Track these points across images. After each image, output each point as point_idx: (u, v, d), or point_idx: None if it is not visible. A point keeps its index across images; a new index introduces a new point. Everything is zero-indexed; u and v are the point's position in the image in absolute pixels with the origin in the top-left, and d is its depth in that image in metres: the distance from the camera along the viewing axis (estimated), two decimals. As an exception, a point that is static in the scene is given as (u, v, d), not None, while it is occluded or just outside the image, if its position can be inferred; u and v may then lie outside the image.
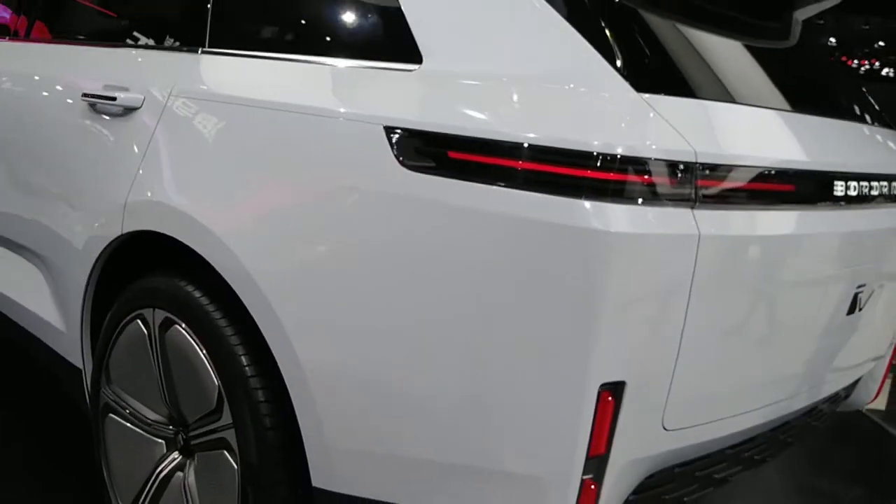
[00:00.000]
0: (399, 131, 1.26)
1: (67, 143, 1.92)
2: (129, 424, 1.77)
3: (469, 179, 1.19)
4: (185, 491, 1.64)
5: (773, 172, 1.31)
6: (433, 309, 1.23)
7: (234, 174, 1.47)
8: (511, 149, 1.16)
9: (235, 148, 1.49)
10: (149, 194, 1.62)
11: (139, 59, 1.84)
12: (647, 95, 1.21)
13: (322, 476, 1.37)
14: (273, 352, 1.39)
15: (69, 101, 1.89)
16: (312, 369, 1.34)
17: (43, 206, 2.00)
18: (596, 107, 1.20)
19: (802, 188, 1.38)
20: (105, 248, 1.76)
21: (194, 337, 1.55)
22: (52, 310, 2.02)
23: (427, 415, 1.26)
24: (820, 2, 1.86)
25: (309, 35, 1.59)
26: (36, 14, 2.33)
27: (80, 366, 1.95)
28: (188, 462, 1.66)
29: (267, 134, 1.44)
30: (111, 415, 1.82)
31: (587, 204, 1.11)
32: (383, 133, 1.28)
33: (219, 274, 1.48)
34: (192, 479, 1.64)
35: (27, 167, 2.07)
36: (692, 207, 1.17)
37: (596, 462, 1.19)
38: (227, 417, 1.50)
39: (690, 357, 1.21)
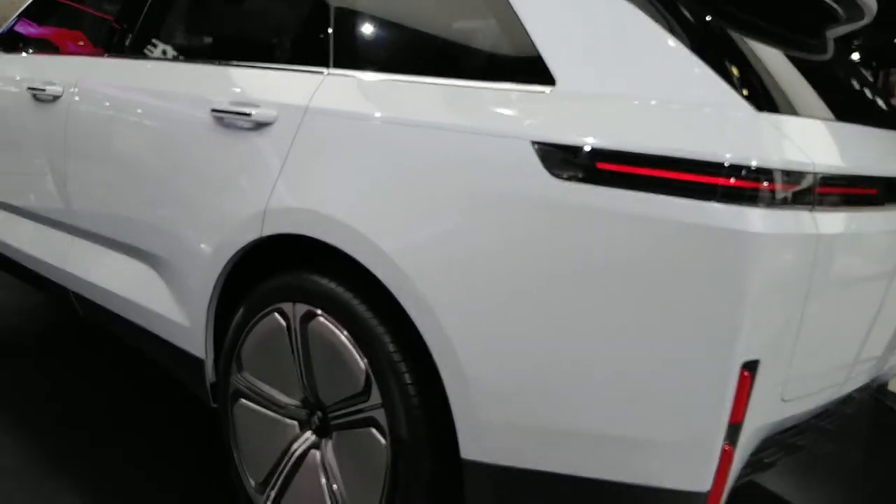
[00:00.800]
0: (546, 146, 1.45)
1: (195, 155, 2.09)
2: (260, 408, 1.96)
3: (618, 187, 1.39)
4: (324, 467, 1.83)
5: (866, 178, 1.52)
6: (587, 296, 1.42)
7: (382, 184, 1.65)
8: (658, 160, 1.36)
9: (382, 161, 1.66)
10: (292, 201, 1.79)
11: (267, 78, 2.01)
12: (764, 115, 1.42)
13: (472, 448, 1.56)
14: (426, 340, 1.57)
15: (197, 115, 2.06)
16: (467, 355, 1.53)
17: (168, 213, 2.16)
18: (725, 125, 1.40)
19: (886, 191, 1.59)
20: (239, 251, 1.93)
21: (340, 327, 1.73)
22: (172, 306, 2.19)
23: (582, 391, 1.45)
24: (854, 22, 2.08)
25: (443, 58, 1.76)
26: (136, 29, 2.50)
27: (202, 356, 2.12)
28: (324, 441, 1.85)
29: (412, 148, 1.62)
30: (241, 399, 2.00)
31: (733, 208, 1.31)
32: (531, 147, 1.47)
33: (363, 270, 1.67)
34: (330, 455, 1.82)
35: (150, 176, 2.23)
36: (811, 211, 1.38)
37: (733, 429, 1.39)
38: (375, 398, 1.68)
39: (806, 338, 1.42)
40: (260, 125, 1.91)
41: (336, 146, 1.74)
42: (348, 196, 1.69)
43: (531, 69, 1.56)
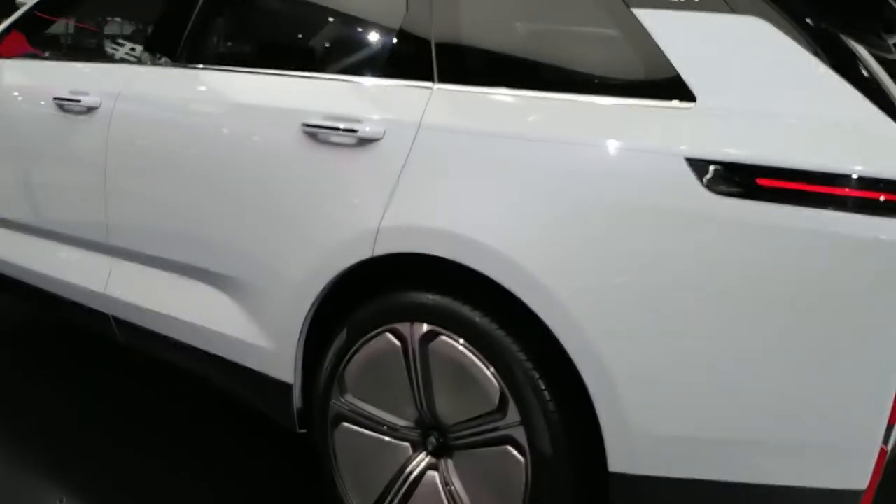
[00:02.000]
0: (701, 161, 1.48)
1: (283, 172, 2.02)
2: (367, 431, 1.92)
3: (778, 202, 1.43)
4: (447, 487, 1.81)
5: None
6: (746, 309, 1.46)
7: (522, 203, 1.64)
8: (820, 177, 1.41)
9: (521, 179, 1.65)
10: (415, 220, 1.77)
11: (366, 92, 1.97)
12: (906, 130, 1.48)
13: (621, 461, 1.58)
14: (574, 358, 1.58)
15: (286, 130, 2.00)
16: (618, 372, 1.54)
17: (251, 234, 2.08)
18: (877, 141, 1.46)
19: None
20: (343, 271, 1.89)
21: (469, 347, 1.72)
22: (252, 330, 2.13)
23: (742, 401, 1.49)
24: None
25: (572, 73, 1.77)
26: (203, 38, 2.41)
27: (290, 381, 2.07)
28: (443, 461, 1.83)
29: (555, 165, 1.63)
30: (344, 423, 1.96)
31: (894, 221, 1.37)
32: (685, 164, 1.49)
33: (490, 288, 1.66)
34: (453, 475, 1.80)
35: (229, 196, 2.14)
36: None
37: (889, 430, 1.45)
38: (512, 416, 1.68)
39: None
40: (365, 141, 1.87)
41: (465, 164, 1.73)
42: (485, 215, 1.68)
43: (672, 87, 1.59)
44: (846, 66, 1.57)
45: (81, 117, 2.50)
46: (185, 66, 2.39)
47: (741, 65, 1.59)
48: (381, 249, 1.81)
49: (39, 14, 2.96)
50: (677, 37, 1.63)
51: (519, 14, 1.91)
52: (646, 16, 1.67)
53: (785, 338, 1.45)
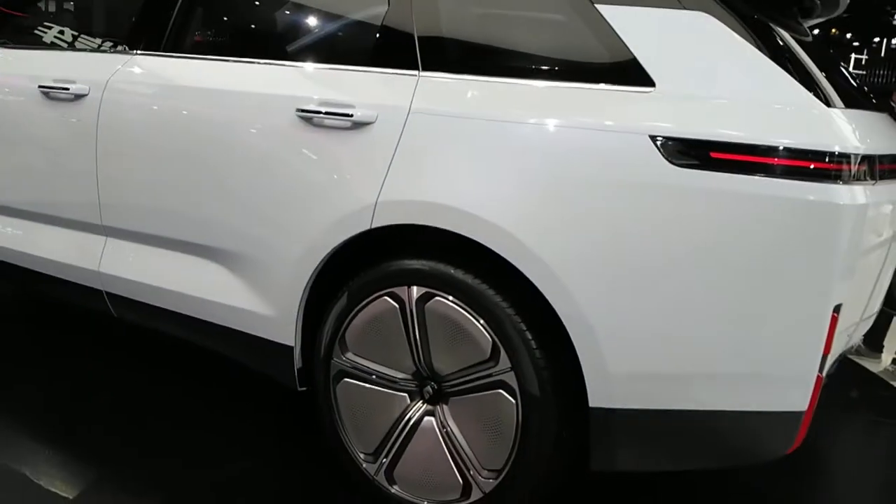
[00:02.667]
0: (663, 138, 1.74)
1: (278, 154, 2.20)
2: (368, 385, 2.14)
3: (728, 172, 1.70)
4: (443, 430, 2.05)
5: (888, 157, 1.91)
6: (705, 262, 1.73)
7: (509, 175, 1.88)
8: (765, 149, 1.68)
9: (501, 155, 1.89)
10: (409, 195, 1.98)
11: (355, 80, 2.16)
12: (832, 110, 1.77)
13: (600, 397, 1.85)
14: (560, 313, 1.83)
15: (280, 115, 2.18)
16: (598, 321, 1.80)
17: (250, 211, 2.26)
18: (811, 119, 1.74)
19: None
20: (342, 243, 2.10)
21: (462, 306, 1.96)
22: (253, 299, 2.31)
23: (704, 341, 1.77)
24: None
25: (543, 62, 1.99)
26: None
27: (291, 343, 2.27)
28: (439, 407, 2.07)
29: (533, 143, 1.86)
30: (346, 379, 2.17)
31: (825, 185, 1.66)
32: (649, 140, 1.75)
33: (475, 251, 1.90)
34: (449, 419, 2.05)
35: (223, 176, 2.30)
36: (874, 185, 1.76)
37: (823, 360, 1.76)
38: (503, 364, 1.93)
39: (856, 288, 1.81)
40: (359, 124, 2.07)
41: (453, 144, 1.95)
42: (474, 189, 1.90)
43: (634, 75, 1.83)
44: (778, 54, 1.85)
45: (69, 104, 2.61)
46: (171, 56, 2.53)
47: (691, 55, 1.85)
48: (379, 222, 2.02)
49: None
50: (636, 30, 1.88)
51: (492, 9, 2.13)
52: (607, 11, 1.91)
53: (734, 285, 1.74)
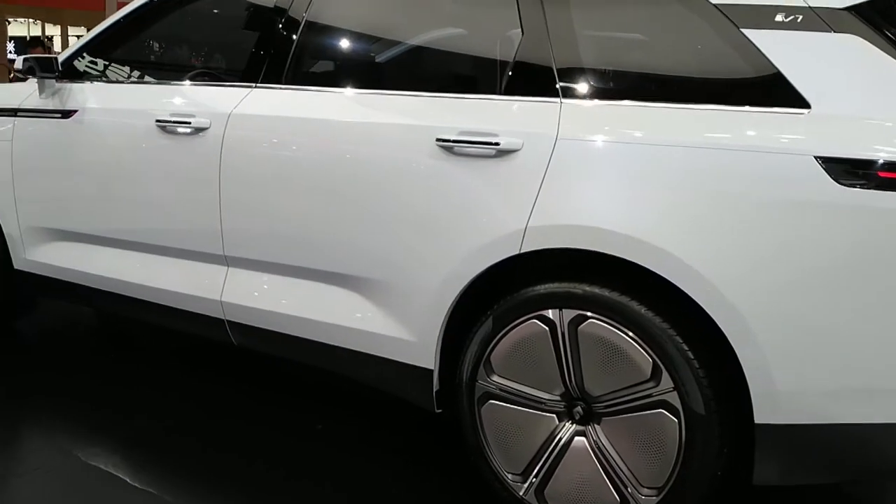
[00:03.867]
0: (829, 159, 1.78)
1: (420, 182, 2.26)
2: (514, 406, 2.18)
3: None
4: (598, 449, 2.08)
5: None
6: (871, 279, 1.78)
7: (666, 197, 1.92)
8: None
9: (659, 180, 1.93)
10: (562, 219, 2.03)
11: (499, 107, 2.21)
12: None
13: (766, 413, 1.88)
14: (728, 336, 1.86)
15: (420, 145, 2.23)
16: (765, 340, 1.84)
17: (396, 240, 2.32)
18: None
19: None
20: (489, 267, 2.14)
21: (620, 328, 1.99)
22: (391, 324, 2.36)
23: (866, 358, 1.81)
24: None
25: (696, 86, 2.04)
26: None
27: (431, 367, 2.31)
28: (590, 427, 2.11)
29: (694, 167, 1.90)
30: (491, 401, 2.21)
31: None
32: (815, 161, 1.79)
33: (632, 274, 1.94)
34: (603, 439, 2.08)
35: (370, 207, 2.35)
36: None
37: None
38: (665, 384, 1.96)
39: None
40: (504, 152, 2.11)
41: (606, 169, 2.00)
42: (631, 211, 1.95)
43: (788, 97, 1.87)
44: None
45: (188, 138, 2.67)
46: (295, 88, 2.58)
47: (844, 76, 1.90)
48: (529, 246, 2.07)
49: (113, 35, 3.08)
50: (785, 53, 1.92)
51: (631, 36, 2.18)
52: (754, 35, 1.95)
53: None
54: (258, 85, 2.64)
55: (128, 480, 2.44)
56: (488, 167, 2.15)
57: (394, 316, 2.36)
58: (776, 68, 1.92)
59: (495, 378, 2.20)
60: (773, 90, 1.92)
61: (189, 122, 2.66)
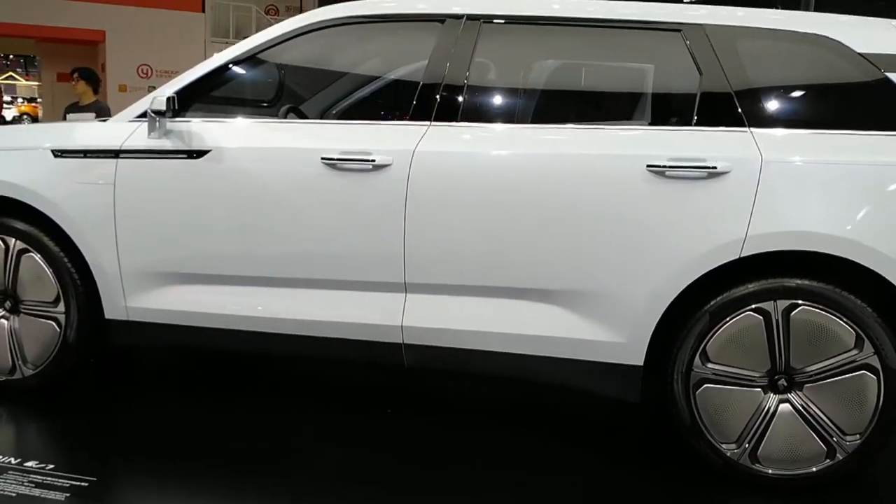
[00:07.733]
0: None
1: (635, 203, 2.60)
2: (728, 387, 2.61)
3: None
4: (805, 411, 2.58)
5: None
6: None
7: (869, 205, 2.47)
8: None
9: (859, 191, 2.49)
10: (781, 226, 2.50)
11: (702, 137, 2.63)
12: None
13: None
14: None
15: (631, 172, 2.60)
16: None
17: (612, 256, 2.64)
18: None
19: None
20: (708, 272, 2.55)
21: (829, 311, 2.50)
22: (602, 331, 2.68)
23: None
24: None
25: (860, 116, 2.60)
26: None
27: (639, 363, 2.67)
28: (793, 394, 2.59)
29: (883, 180, 2.47)
30: (707, 385, 2.62)
31: None
32: None
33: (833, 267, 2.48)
34: (809, 402, 2.57)
35: (585, 229, 2.64)
36: None
37: None
38: (867, 350, 2.50)
39: None
40: (715, 174, 2.54)
41: (811, 184, 2.52)
42: (839, 217, 2.48)
43: None
44: None
45: (365, 175, 2.75)
46: (475, 125, 2.83)
47: None
48: (749, 251, 2.52)
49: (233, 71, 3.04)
50: None
51: (797, 73, 2.70)
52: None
53: None
54: (434, 123, 2.81)
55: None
56: (701, 187, 2.56)
57: (603, 322, 2.68)
58: None
59: (710, 365, 2.61)
60: None
61: (369, 160, 2.75)
